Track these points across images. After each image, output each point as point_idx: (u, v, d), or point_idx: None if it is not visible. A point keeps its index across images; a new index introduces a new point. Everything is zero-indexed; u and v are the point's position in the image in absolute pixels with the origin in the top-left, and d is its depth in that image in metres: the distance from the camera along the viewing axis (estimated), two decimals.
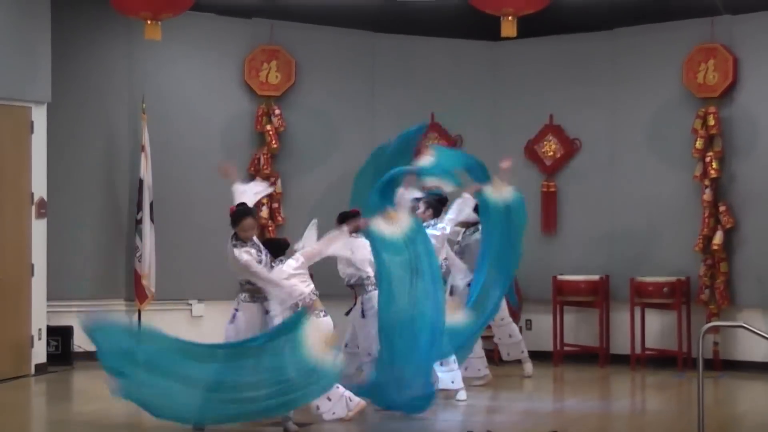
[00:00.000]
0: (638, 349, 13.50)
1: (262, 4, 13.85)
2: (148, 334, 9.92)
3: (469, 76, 14.72)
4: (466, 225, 12.22)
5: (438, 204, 11.67)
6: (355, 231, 10.37)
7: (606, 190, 14.10)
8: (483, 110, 14.63)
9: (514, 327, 12.81)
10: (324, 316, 9.80)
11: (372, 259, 10.41)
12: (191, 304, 14.12)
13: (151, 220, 13.58)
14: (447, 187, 11.28)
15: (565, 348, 13.96)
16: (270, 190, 10.81)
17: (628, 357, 13.58)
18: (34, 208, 12.79)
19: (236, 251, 9.54)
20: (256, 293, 9.70)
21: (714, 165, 13.26)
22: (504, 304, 12.20)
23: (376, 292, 10.47)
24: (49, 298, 12.99)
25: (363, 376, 10.67)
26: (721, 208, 13.25)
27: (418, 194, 11.66)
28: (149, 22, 12.01)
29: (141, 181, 13.57)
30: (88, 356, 13.46)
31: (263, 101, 14.23)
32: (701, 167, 13.35)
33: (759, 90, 13.21)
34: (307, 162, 14.25)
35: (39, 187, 12.85)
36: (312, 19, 14.26)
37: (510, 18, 11.79)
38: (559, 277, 13.93)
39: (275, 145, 14.10)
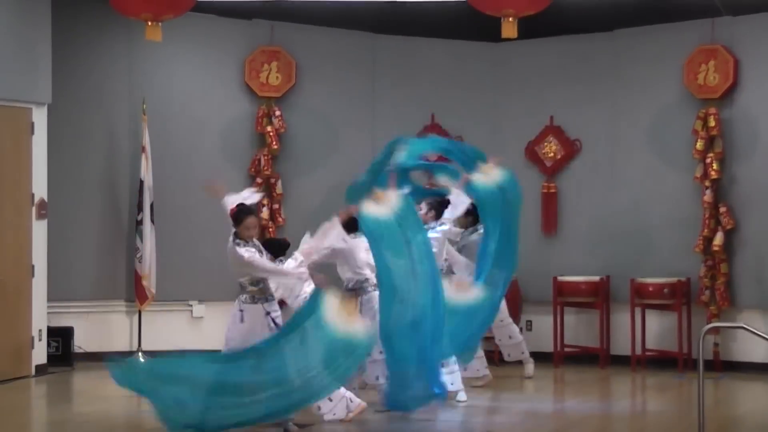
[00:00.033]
0: (638, 350, 13.49)
1: (262, 5, 13.85)
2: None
3: (470, 78, 14.72)
4: (465, 225, 12.17)
5: (440, 206, 11.64)
6: (349, 219, 10.30)
7: (606, 191, 14.10)
8: (483, 111, 14.63)
9: (514, 328, 12.81)
10: None
11: (371, 262, 10.40)
12: (191, 305, 14.13)
13: (152, 220, 13.59)
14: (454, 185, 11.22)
15: (566, 349, 13.96)
16: (259, 196, 10.74)
17: (628, 358, 13.58)
18: (34, 209, 12.79)
19: (238, 249, 9.54)
20: (257, 295, 9.70)
21: (714, 166, 13.26)
22: (504, 305, 12.17)
23: (376, 293, 10.48)
24: (49, 299, 12.99)
25: (362, 376, 10.66)
26: (722, 210, 13.25)
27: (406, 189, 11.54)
28: (150, 23, 11.99)
29: (141, 182, 13.58)
30: (89, 357, 13.51)
31: (264, 102, 14.24)
32: (702, 168, 13.35)
33: (759, 91, 13.21)
34: (307, 163, 14.25)
35: (39, 188, 12.85)
36: (312, 20, 14.26)
37: (510, 19, 11.76)
38: (560, 278, 13.93)
39: (276, 146, 14.11)
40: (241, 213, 9.74)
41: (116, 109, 13.89)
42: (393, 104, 14.58)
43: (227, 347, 9.65)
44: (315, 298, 9.40)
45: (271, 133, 14.09)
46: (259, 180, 14.02)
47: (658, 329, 13.65)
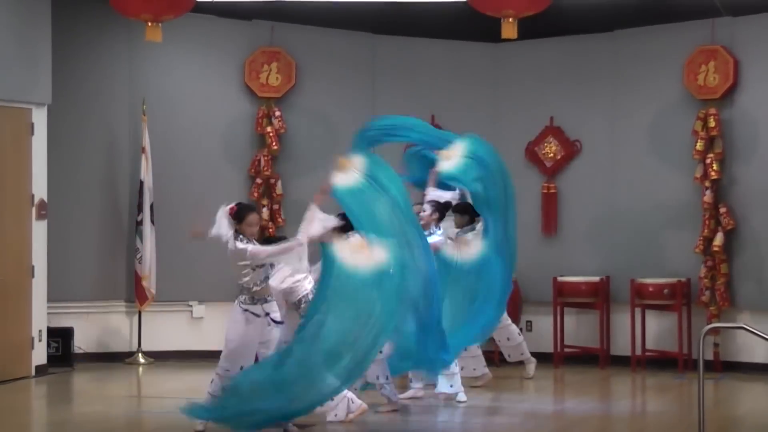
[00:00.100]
0: (639, 351, 13.49)
1: (262, 6, 13.85)
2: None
3: (470, 78, 14.71)
4: (461, 224, 12.05)
5: (443, 209, 11.62)
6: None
7: (606, 191, 14.10)
8: (483, 112, 14.62)
9: (513, 329, 12.79)
10: None
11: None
12: (191, 306, 14.12)
13: (152, 221, 13.60)
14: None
15: (566, 349, 13.96)
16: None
17: (628, 358, 13.58)
18: (34, 209, 12.79)
19: (239, 244, 9.54)
20: (256, 296, 9.69)
21: (714, 167, 13.26)
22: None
23: None
24: (49, 300, 12.99)
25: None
26: (722, 210, 13.25)
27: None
28: (150, 23, 12.01)
29: (141, 183, 13.58)
30: (89, 357, 13.52)
31: (263, 103, 14.24)
32: (702, 169, 13.35)
33: (760, 92, 13.20)
34: (307, 164, 14.23)
35: (39, 189, 12.85)
36: (312, 20, 14.26)
37: (510, 20, 11.78)
38: (560, 279, 13.93)
39: (275, 147, 14.11)
40: (242, 210, 9.75)
41: (116, 109, 13.90)
42: (393, 105, 14.53)
43: (227, 348, 9.64)
44: (326, 256, 9.43)
45: (271, 134, 14.09)
46: (259, 180, 14.03)
47: (658, 330, 13.65)
